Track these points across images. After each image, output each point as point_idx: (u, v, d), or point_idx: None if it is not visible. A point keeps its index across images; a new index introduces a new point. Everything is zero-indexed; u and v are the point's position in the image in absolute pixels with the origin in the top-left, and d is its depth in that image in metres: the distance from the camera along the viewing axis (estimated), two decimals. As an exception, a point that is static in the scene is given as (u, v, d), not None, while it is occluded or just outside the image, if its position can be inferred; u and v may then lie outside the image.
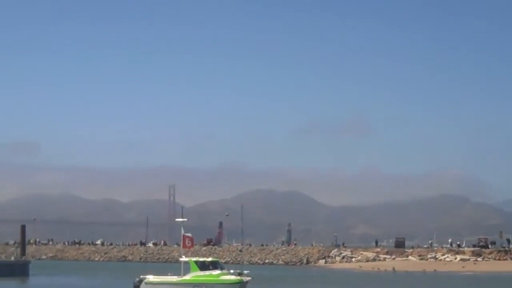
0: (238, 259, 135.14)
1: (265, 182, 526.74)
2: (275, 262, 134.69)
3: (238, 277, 60.88)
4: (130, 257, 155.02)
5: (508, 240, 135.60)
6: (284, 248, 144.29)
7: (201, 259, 63.30)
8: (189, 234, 63.69)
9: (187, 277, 60.92)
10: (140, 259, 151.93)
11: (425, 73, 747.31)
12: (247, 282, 60.82)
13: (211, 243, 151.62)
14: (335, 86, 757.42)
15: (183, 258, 63.11)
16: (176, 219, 73.32)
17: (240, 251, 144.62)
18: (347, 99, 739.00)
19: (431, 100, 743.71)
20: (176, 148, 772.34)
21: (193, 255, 66.07)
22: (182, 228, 64.58)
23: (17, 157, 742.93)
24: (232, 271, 63.07)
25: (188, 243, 63.97)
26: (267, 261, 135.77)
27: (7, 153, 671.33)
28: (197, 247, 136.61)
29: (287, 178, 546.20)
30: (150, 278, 62.43)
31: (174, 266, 71.93)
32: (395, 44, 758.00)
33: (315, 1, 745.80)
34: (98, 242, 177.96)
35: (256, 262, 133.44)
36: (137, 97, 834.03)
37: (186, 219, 66.16)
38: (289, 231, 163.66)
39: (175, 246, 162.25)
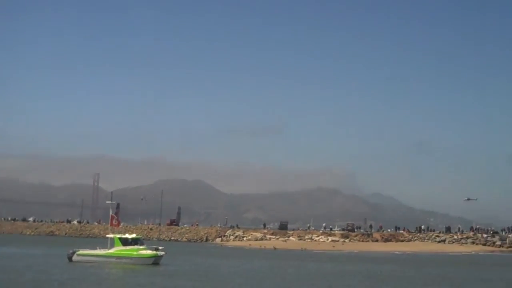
0: (149, 236, 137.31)
1: (181, 173, 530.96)
2: (179, 239, 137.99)
3: (154, 252, 63.79)
4: (57, 232, 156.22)
5: (371, 226, 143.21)
6: (187, 228, 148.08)
7: (124, 236, 64.88)
8: (115, 215, 66.97)
9: (112, 251, 63.33)
10: (66, 234, 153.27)
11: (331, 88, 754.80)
12: (161, 256, 63.70)
13: (174, 223, 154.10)
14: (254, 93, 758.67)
15: (110, 235, 65.48)
16: (107, 202, 74.67)
17: (151, 229, 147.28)
18: (265, 106, 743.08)
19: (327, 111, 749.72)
20: (106, 140, 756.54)
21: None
22: (111, 210, 67.68)
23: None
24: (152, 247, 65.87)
25: (115, 222, 67.28)
26: (173, 238, 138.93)
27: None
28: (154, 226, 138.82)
29: (196, 170, 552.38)
30: (82, 251, 64.91)
31: (100, 241, 74.59)
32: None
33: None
34: (30, 219, 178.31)
35: (164, 239, 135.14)
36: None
37: (114, 202, 68.95)
38: (178, 213, 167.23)
39: (95, 224, 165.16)
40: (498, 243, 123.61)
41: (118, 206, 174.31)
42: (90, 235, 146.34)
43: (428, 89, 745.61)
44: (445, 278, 55.16)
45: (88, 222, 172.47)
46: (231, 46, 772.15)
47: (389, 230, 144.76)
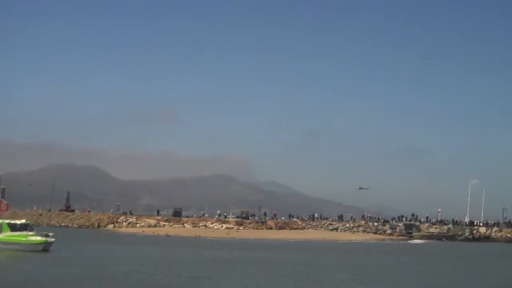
0: (38, 221, 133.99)
1: (73, 158, 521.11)
2: (70, 225, 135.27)
3: (44, 238, 61.97)
4: None
5: (265, 213, 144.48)
6: (79, 214, 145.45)
7: (13, 222, 63.03)
8: (4, 200, 64.86)
9: (0, 236, 61.35)
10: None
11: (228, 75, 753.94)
12: (51, 242, 61.85)
13: (70, 209, 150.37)
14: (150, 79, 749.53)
15: None
16: None
17: (40, 215, 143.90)
18: (160, 92, 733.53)
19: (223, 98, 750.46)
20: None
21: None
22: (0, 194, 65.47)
23: None
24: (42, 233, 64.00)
25: (3, 206, 65.16)
26: (63, 224, 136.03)
27: None
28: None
29: (89, 155, 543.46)
30: None
31: None
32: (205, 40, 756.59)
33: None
34: None
35: (54, 225, 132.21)
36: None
37: (3, 186, 66.76)
38: (67, 199, 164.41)
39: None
40: (389, 231, 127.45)
41: (3, 191, 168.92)
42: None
43: (318, 77, 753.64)
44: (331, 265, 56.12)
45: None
46: (123, 30, 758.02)
47: (283, 218, 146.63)
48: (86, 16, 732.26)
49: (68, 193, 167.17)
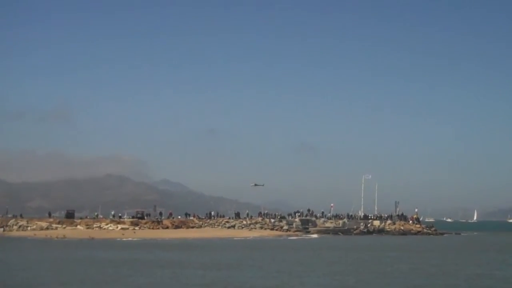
0: None
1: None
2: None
3: None
4: None
5: (161, 213, 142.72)
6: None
7: None
8: None
9: None
10: None
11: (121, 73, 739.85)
12: None
13: None
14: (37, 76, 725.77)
15: None
16: None
17: None
18: (49, 90, 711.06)
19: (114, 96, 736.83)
20: None
21: None
22: None
23: None
24: None
25: None
26: None
27: None
28: None
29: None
30: None
31: None
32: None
33: None
34: None
35: None
36: None
37: None
38: None
39: None
40: (286, 227, 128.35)
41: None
42: None
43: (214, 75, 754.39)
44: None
45: None
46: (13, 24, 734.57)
47: (179, 216, 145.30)
48: None
49: None
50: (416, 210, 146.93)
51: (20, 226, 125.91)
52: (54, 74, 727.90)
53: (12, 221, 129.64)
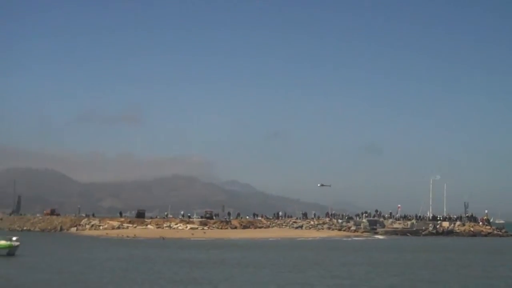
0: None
1: (32, 161, 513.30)
2: (32, 229, 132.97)
3: (8, 242, 60.82)
4: None
5: (229, 213, 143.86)
6: (40, 217, 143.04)
7: None
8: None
9: None
10: None
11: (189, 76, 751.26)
12: (17, 246, 60.87)
13: (55, 213, 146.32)
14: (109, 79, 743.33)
15: None
16: None
17: (1, 219, 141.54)
18: (120, 92, 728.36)
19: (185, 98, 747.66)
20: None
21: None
22: None
23: None
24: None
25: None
26: (25, 228, 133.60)
27: None
28: None
29: (48, 158, 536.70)
30: None
31: None
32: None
33: None
34: None
35: (15, 229, 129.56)
36: None
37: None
38: (19, 203, 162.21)
39: None
40: (353, 228, 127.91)
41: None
42: None
43: (281, 79, 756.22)
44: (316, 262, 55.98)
45: None
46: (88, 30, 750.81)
47: (247, 217, 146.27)
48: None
49: (19, 197, 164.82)
50: (486, 211, 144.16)
51: (92, 225, 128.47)
52: (125, 78, 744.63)
53: (84, 220, 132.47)
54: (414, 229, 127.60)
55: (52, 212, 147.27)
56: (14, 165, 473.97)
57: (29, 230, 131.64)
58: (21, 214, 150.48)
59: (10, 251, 60.17)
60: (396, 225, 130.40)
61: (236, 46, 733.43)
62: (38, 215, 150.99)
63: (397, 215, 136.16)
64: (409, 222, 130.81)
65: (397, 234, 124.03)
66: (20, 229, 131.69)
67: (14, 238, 62.64)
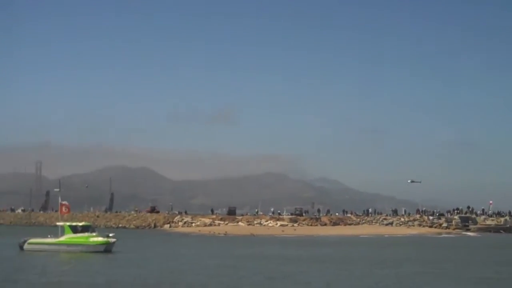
0: (96, 223, 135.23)
1: (125, 160, 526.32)
2: (127, 226, 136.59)
3: (105, 239, 63.07)
4: (1, 221, 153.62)
5: (319, 210, 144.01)
6: (135, 215, 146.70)
7: (74, 224, 64.25)
8: (66, 202, 65.86)
9: (62, 239, 62.28)
10: (10, 223, 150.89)
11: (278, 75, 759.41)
12: (113, 243, 63.08)
13: (155, 211, 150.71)
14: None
15: (60, 223, 64.30)
16: (55, 190, 73.08)
17: (97, 216, 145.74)
18: (212, 93, 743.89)
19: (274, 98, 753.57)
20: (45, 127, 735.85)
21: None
22: (59, 197, 66.51)
23: None
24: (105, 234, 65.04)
25: (65, 209, 66.18)
26: (120, 225, 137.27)
27: None
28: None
29: (141, 157, 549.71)
30: (33, 239, 64.05)
31: (48, 229, 73.19)
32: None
33: None
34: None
35: (111, 226, 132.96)
36: None
37: (59, 189, 67.69)
38: (111, 200, 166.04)
39: (40, 212, 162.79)
40: (445, 224, 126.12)
41: (48, 193, 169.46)
42: (36, 223, 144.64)
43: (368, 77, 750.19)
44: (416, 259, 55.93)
45: (32, 211, 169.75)
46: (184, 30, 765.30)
47: (337, 213, 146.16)
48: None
49: (112, 194, 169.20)
50: None
51: (185, 222, 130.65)
52: (217, 80, 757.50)
53: (177, 218, 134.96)
54: (508, 225, 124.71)
55: (152, 210, 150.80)
56: (107, 164, 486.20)
57: (124, 227, 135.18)
58: (115, 212, 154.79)
59: (107, 247, 62.10)
60: (489, 222, 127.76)
61: (326, 45, 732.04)
62: (132, 212, 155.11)
63: (489, 211, 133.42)
64: (502, 219, 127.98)
65: (490, 231, 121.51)
66: (116, 226, 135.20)
67: (110, 235, 64.86)
